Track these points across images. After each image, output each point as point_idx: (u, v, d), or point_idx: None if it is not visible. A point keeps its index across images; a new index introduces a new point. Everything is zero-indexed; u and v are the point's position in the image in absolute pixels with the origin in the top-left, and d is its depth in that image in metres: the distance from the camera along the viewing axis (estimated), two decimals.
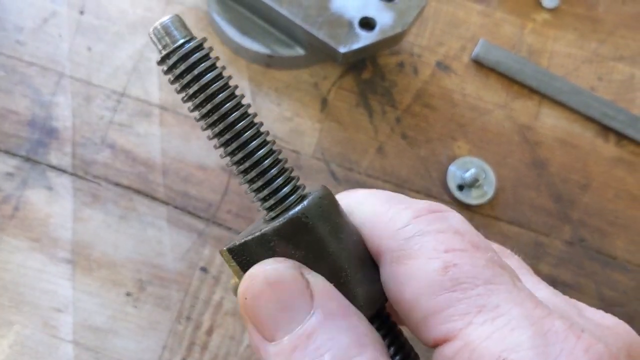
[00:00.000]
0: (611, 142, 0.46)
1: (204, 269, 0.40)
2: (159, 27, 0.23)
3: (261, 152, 0.23)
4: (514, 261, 0.25)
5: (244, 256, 0.23)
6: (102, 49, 0.45)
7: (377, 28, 0.43)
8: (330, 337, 0.21)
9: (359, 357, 0.21)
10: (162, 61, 0.23)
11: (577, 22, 0.50)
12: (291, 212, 0.23)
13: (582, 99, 0.47)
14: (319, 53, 0.45)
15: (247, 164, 0.23)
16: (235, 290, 0.24)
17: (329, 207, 0.24)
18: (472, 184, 0.43)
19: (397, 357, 0.24)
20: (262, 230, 0.23)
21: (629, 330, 0.23)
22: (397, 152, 0.45)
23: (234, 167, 0.24)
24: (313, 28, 0.42)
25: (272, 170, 0.24)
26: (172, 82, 0.24)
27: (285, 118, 0.44)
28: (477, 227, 0.40)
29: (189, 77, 0.24)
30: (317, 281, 0.22)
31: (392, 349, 0.24)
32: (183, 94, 0.24)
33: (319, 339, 0.21)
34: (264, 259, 0.23)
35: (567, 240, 0.43)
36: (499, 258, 0.22)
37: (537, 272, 0.41)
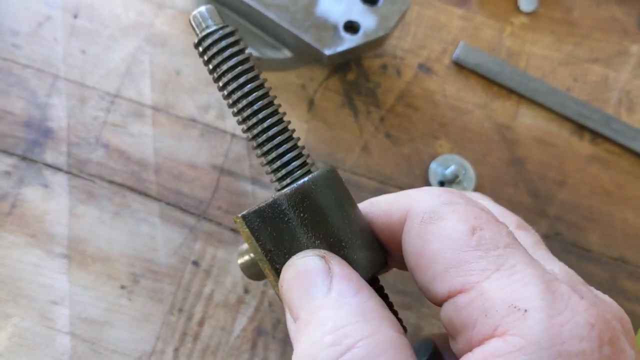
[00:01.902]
0: (586, 140, 0.49)
1: (195, 263, 0.42)
2: (197, 14, 0.27)
3: (276, 128, 0.27)
4: (530, 236, 0.28)
5: (256, 222, 0.26)
6: (96, 52, 0.47)
7: (361, 31, 0.44)
8: (336, 312, 0.24)
9: (356, 325, 0.23)
10: (198, 44, 0.27)
11: (553, 25, 0.52)
12: (301, 181, 0.26)
13: (559, 99, 0.49)
14: (306, 55, 0.46)
15: (263, 138, 0.27)
16: (242, 255, 0.28)
17: (334, 181, 0.27)
18: (453, 180, 0.45)
19: None
20: (275, 197, 0.26)
21: (621, 309, 0.26)
22: (381, 151, 0.46)
23: (252, 141, 0.27)
24: (300, 31, 0.44)
25: (285, 145, 0.27)
26: (206, 63, 0.28)
27: None
28: None
29: (219, 59, 0.27)
30: (337, 266, 0.25)
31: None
32: (214, 74, 0.28)
33: (326, 313, 0.24)
34: (275, 223, 0.26)
35: (544, 234, 0.45)
36: (514, 234, 0.25)
37: None
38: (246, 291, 0.42)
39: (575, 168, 0.47)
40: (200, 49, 0.28)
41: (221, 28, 0.27)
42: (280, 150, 0.27)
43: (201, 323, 0.41)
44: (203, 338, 0.40)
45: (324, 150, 0.46)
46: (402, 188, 0.45)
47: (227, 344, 0.40)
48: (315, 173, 0.26)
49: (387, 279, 0.43)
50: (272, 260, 0.26)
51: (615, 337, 0.23)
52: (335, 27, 0.44)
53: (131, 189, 0.43)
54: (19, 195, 0.43)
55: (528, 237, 0.27)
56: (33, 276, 0.41)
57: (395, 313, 0.27)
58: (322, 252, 0.26)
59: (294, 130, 0.27)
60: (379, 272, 0.28)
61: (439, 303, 0.24)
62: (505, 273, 0.23)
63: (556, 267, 0.26)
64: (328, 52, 0.44)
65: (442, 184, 0.45)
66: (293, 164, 0.27)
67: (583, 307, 0.23)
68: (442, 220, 0.25)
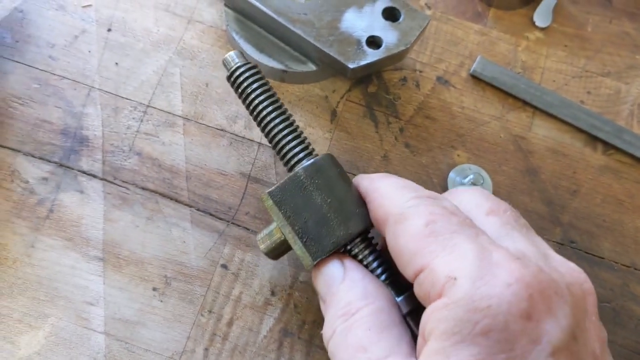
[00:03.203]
0: (599, 151, 0.50)
1: (224, 266, 0.44)
2: (227, 57, 0.41)
3: (287, 130, 0.39)
4: (498, 220, 0.33)
5: (279, 195, 0.36)
6: (129, 64, 0.49)
7: (383, 46, 0.46)
8: (345, 293, 0.34)
9: (359, 301, 0.33)
10: (229, 77, 0.41)
11: (567, 40, 0.54)
12: (313, 159, 0.37)
13: (572, 111, 0.51)
14: (329, 69, 0.48)
15: (278, 137, 0.39)
16: (262, 240, 0.38)
17: (335, 161, 0.38)
18: None
19: (376, 263, 0.36)
20: (294, 172, 0.37)
21: (585, 283, 0.32)
22: (400, 160, 0.48)
23: (271, 140, 0.39)
24: (324, 46, 0.46)
25: (295, 141, 0.39)
26: (235, 91, 0.41)
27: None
28: None
29: (244, 86, 0.40)
30: (348, 261, 0.36)
31: (372, 256, 0.36)
32: (241, 98, 0.41)
33: (339, 295, 0.34)
34: (294, 193, 0.36)
35: (558, 241, 0.47)
36: (471, 222, 0.31)
37: None
38: (273, 293, 0.43)
39: (588, 178, 0.49)
40: (231, 80, 0.41)
41: (244, 64, 0.40)
42: (292, 144, 0.39)
43: (230, 324, 0.43)
44: (232, 338, 0.42)
45: (346, 158, 0.48)
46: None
47: (254, 344, 0.42)
48: (322, 155, 0.37)
49: None
50: (292, 223, 0.36)
51: (536, 297, 0.27)
52: (358, 42, 0.46)
53: (163, 195, 0.45)
54: (56, 200, 0.45)
55: (496, 221, 0.32)
56: (69, 278, 0.43)
57: (384, 260, 0.36)
58: (339, 255, 0.36)
59: (302, 132, 0.40)
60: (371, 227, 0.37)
61: (414, 280, 0.31)
62: (448, 251, 0.29)
63: (520, 242, 0.31)
64: (352, 65, 0.46)
65: None
66: (301, 154, 0.38)
67: (506, 271, 0.27)
68: (406, 220, 0.31)
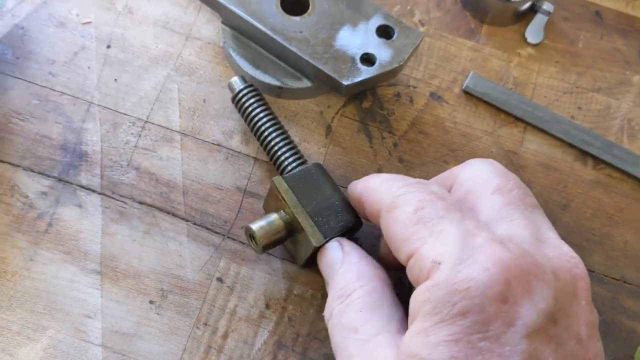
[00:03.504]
0: (589, 166, 0.51)
1: (220, 280, 0.45)
2: (232, 81, 0.47)
3: (282, 143, 0.45)
4: (502, 199, 0.33)
5: (292, 181, 0.42)
6: (128, 80, 0.50)
7: (377, 63, 0.47)
8: (343, 276, 0.37)
9: (355, 282, 0.36)
10: (234, 99, 0.47)
11: (558, 56, 0.55)
12: (307, 165, 0.44)
13: (563, 126, 0.51)
14: (324, 85, 0.49)
15: (275, 154, 0.45)
16: (252, 232, 0.41)
17: (323, 168, 0.44)
18: None
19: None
20: (305, 165, 0.44)
21: (571, 262, 0.32)
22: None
23: (270, 157, 0.46)
24: (319, 63, 0.47)
25: (288, 153, 0.45)
26: (238, 110, 0.47)
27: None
28: None
29: (246, 106, 0.46)
30: (347, 246, 0.39)
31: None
32: (244, 116, 0.47)
33: (337, 278, 0.37)
34: (305, 181, 0.42)
35: None
36: (459, 205, 0.33)
37: None
38: (267, 306, 0.44)
39: (578, 192, 0.50)
40: (235, 101, 0.47)
41: (247, 87, 0.46)
42: (288, 156, 0.45)
43: (225, 336, 0.43)
44: (226, 351, 0.43)
45: (340, 173, 0.49)
46: None
47: (249, 357, 0.43)
48: (312, 163, 0.44)
49: None
50: (305, 204, 0.41)
51: (513, 281, 0.28)
52: (352, 59, 0.47)
53: (160, 210, 0.46)
54: (55, 214, 0.45)
55: (499, 201, 0.33)
56: (68, 291, 0.44)
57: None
58: (339, 239, 0.40)
59: (296, 146, 0.46)
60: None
61: (405, 265, 0.32)
62: (435, 237, 0.31)
63: (515, 225, 0.32)
64: (346, 82, 0.46)
65: None
66: (294, 164, 0.45)
67: (486, 255, 0.29)
68: (397, 208, 0.33)
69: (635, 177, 0.51)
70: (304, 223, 0.41)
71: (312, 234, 0.40)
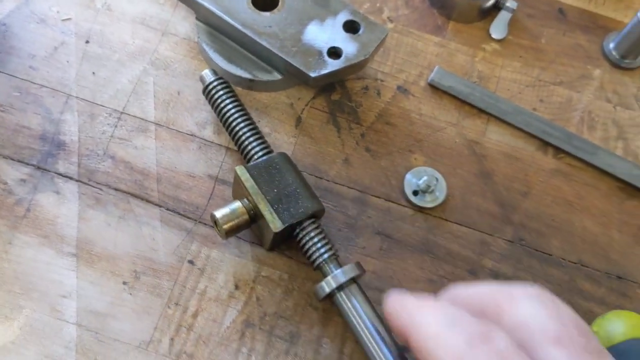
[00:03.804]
0: (550, 155, 0.53)
1: (191, 262, 0.47)
2: (203, 73, 0.49)
3: (249, 133, 0.47)
4: (575, 347, 0.28)
5: (255, 171, 0.44)
6: (105, 74, 0.52)
7: (343, 56, 0.50)
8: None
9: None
10: (204, 90, 0.49)
11: (522, 51, 0.57)
12: (271, 155, 0.46)
13: (524, 118, 0.54)
14: (294, 78, 0.51)
15: (242, 143, 0.47)
16: (230, 214, 0.44)
17: (287, 157, 0.46)
18: (426, 189, 0.49)
19: (324, 240, 0.44)
20: (269, 155, 0.46)
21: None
22: (361, 163, 0.51)
23: (237, 145, 0.48)
24: (288, 56, 0.49)
25: (254, 143, 0.47)
26: (209, 101, 0.49)
27: (265, 133, 0.51)
28: (430, 227, 0.47)
29: (216, 97, 0.48)
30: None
31: (321, 235, 0.44)
32: (213, 107, 0.49)
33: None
34: (268, 170, 0.44)
35: (508, 239, 0.50)
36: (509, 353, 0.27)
37: (481, 267, 0.48)
38: (236, 287, 0.46)
39: (539, 180, 0.52)
40: (206, 92, 0.49)
41: (216, 79, 0.49)
42: (254, 145, 0.47)
43: (195, 315, 0.45)
44: (196, 329, 0.45)
45: (309, 162, 0.51)
46: (379, 197, 0.50)
47: (217, 335, 0.45)
48: (277, 152, 0.46)
49: (364, 279, 0.47)
50: (265, 193, 0.43)
51: None
52: (320, 53, 0.50)
53: (135, 196, 0.48)
54: (33, 200, 0.47)
55: (561, 355, 0.28)
56: (44, 273, 0.45)
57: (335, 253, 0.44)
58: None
59: (263, 136, 0.48)
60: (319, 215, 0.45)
61: None
62: None
63: None
64: (313, 74, 0.49)
65: (415, 193, 0.50)
66: (260, 152, 0.47)
67: None
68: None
69: (594, 166, 0.53)
70: (263, 210, 0.43)
71: (271, 221, 0.43)
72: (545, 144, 0.53)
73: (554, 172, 0.52)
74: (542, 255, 0.49)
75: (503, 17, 0.57)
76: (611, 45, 0.58)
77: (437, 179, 0.50)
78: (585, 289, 0.49)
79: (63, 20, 0.54)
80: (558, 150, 0.53)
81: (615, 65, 0.57)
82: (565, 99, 0.56)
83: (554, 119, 0.54)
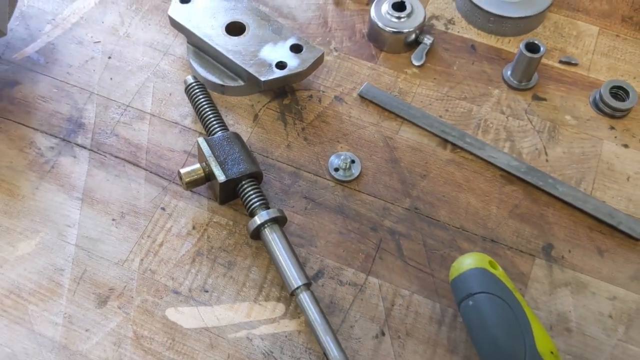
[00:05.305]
0: (448, 150, 0.68)
1: (163, 209, 0.63)
2: (186, 78, 0.68)
3: (212, 118, 0.65)
4: None
5: (212, 142, 0.62)
6: (119, 79, 0.72)
7: (287, 68, 0.67)
8: None
9: None
10: (186, 90, 0.68)
11: (436, 74, 0.74)
12: (227, 132, 0.63)
13: (430, 121, 0.69)
14: (254, 85, 0.69)
15: (208, 122, 0.65)
16: (184, 175, 0.61)
17: (239, 135, 0.63)
18: (344, 167, 0.65)
19: (259, 194, 0.61)
20: (226, 132, 0.63)
21: None
22: (299, 148, 0.68)
23: (203, 126, 0.65)
24: (247, 66, 0.67)
25: (214, 123, 0.64)
26: (189, 99, 0.68)
27: (229, 124, 0.68)
28: (345, 196, 0.64)
29: (193, 96, 0.67)
30: None
31: (257, 191, 0.61)
32: (192, 103, 0.67)
33: None
34: (221, 144, 0.62)
35: (406, 207, 0.64)
36: None
37: (381, 226, 0.63)
38: (193, 228, 0.62)
39: (436, 167, 0.67)
40: (186, 90, 0.67)
41: (195, 83, 0.67)
42: (218, 128, 0.64)
43: (161, 245, 0.61)
44: (160, 254, 0.61)
45: (260, 145, 0.68)
46: (309, 172, 0.66)
47: (175, 259, 0.61)
48: (230, 130, 0.65)
49: (289, 228, 0.62)
50: (216, 157, 0.60)
51: None
52: (270, 65, 0.68)
53: (129, 162, 0.66)
54: (57, 161, 0.66)
55: None
56: (58, 209, 0.63)
57: (266, 204, 0.60)
58: None
59: (225, 123, 0.66)
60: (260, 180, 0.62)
61: None
62: None
63: None
64: (263, 78, 0.66)
65: (337, 169, 0.66)
66: (219, 131, 0.64)
67: None
68: None
69: (482, 158, 0.67)
70: (213, 168, 0.60)
71: (218, 175, 0.60)
72: (444, 141, 0.69)
73: (449, 162, 0.67)
74: (432, 220, 0.64)
75: (421, 48, 0.74)
76: (508, 72, 0.73)
77: (353, 160, 0.66)
78: (463, 247, 0.62)
79: (95, 42, 0.75)
80: (455, 146, 0.68)
81: (512, 87, 0.73)
82: (467, 110, 0.71)
83: (455, 124, 0.70)
